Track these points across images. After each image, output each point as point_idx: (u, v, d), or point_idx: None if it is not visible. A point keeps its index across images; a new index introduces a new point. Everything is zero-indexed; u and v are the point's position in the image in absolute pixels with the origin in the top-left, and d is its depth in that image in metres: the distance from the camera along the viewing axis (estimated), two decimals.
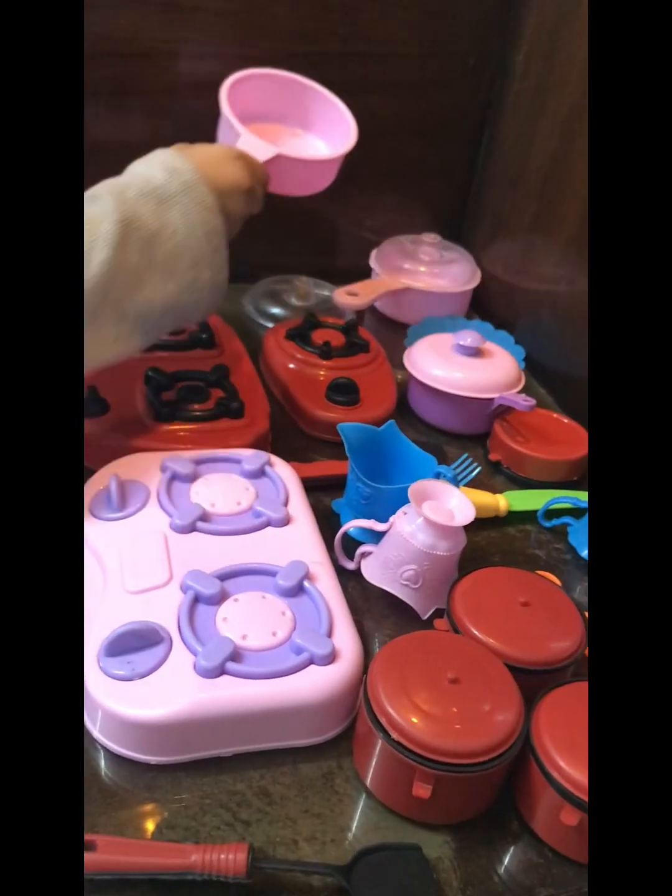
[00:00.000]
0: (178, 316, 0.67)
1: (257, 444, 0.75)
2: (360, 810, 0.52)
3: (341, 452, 0.82)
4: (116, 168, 0.72)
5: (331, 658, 0.54)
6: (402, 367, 0.90)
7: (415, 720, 0.49)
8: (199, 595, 0.56)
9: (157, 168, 0.64)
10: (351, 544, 0.69)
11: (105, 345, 0.62)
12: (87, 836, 0.46)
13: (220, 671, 0.52)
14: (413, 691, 0.50)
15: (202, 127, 1.05)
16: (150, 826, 0.49)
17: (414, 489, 0.63)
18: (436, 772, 0.48)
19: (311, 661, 0.54)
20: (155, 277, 0.62)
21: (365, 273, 1.08)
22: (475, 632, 0.56)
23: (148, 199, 0.62)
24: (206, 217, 0.64)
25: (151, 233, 0.61)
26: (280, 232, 1.12)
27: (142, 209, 0.61)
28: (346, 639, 0.56)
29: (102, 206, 0.60)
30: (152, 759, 0.52)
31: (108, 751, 0.52)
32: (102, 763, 0.52)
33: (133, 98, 1.02)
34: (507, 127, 1.05)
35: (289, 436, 0.84)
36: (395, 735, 0.49)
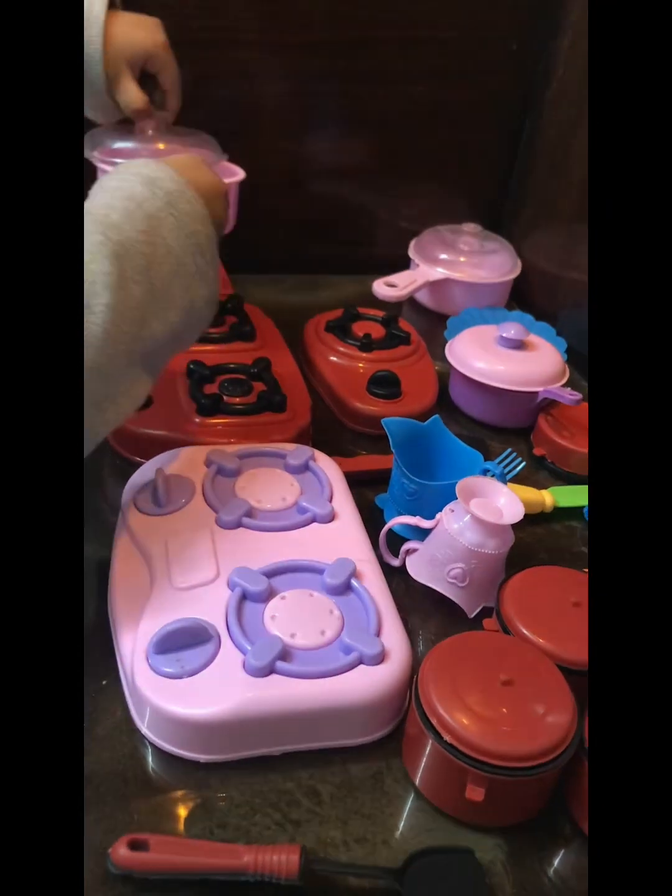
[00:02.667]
0: (177, 345, 0.59)
1: (299, 439, 0.75)
2: (410, 812, 0.51)
3: (382, 446, 0.81)
4: None
5: (380, 658, 0.53)
6: (442, 359, 0.89)
7: (467, 722, 0.48)
8: (247, 592, 0.56)
9: (134, 181, 0.55)
10: (395, 541, 0.68)
11: (119, 401, 0.54)
12: (139, 836, 0.46)
13: (269, 670, 0.51)
14: (465, 693, 0.50)
15: (237, 116, 1.05)
16: (200, 825, 0.49)
17: (461, 486, 0.62)
18: (489, 775, 0.47)
19: (360, 661, 0.53)
20: (157, 308, 0.54)
21: (403, 263, 1.07)
22: (526, 632, 0.56)
23: (135, 220, 0.53)
24: (198, 228, 0.56)
25: (147, 259, 0.52)
26: (316, 221, 1.12)
27: (131, 233, 0.52)
28: (395, 638, 0.55)
29: (88, 240, 0.50)
30: (202, 757, 0.51)
31: (156, 748, 0.52)
32: (151, 760, 0.52)
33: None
34: (550, 114, 1.03)
35: (329, 429, 0.84)
36: (447, 737, 0.48)
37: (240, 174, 0.89)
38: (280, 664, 0.52)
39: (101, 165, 0.81)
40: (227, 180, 0.79)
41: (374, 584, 0.59)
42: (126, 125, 0.87)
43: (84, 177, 0.46)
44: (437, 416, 0.71)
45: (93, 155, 0.82)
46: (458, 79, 1.06)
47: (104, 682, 0.56)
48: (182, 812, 0.49)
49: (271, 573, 0.58)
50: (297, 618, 0.55)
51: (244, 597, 0.56)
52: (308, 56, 1.02)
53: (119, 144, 0.84)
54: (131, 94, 0.81)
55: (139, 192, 0.54)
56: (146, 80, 0.84)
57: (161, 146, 0.85)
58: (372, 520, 0.70)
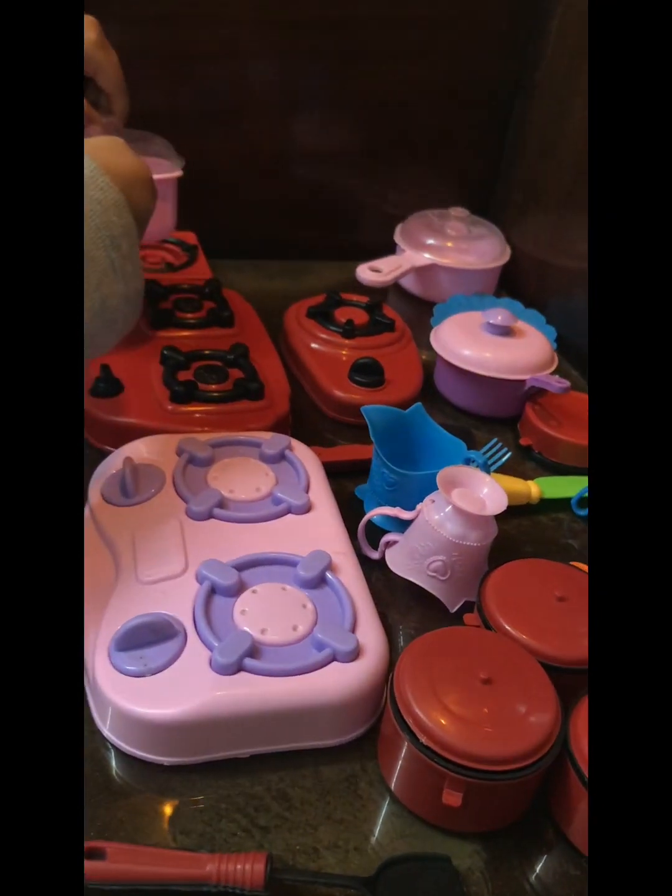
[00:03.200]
0: (90, 350, 0.52)
1: (277, 427, 0.72)
2: (385, 817, 0.49)
3: (365, 436, 0.78)
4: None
5: (355, 654, 0.51)
6: (427, 346, 0.86)
7: (444, 723, 0.46)
8: (216, 586, 0.53)
9: None
10: (375, 533, 0.66)
11: None
12: (96, 843, 0.43)
13: (237, 667, 0.49)
14: (443, 692, 0.47)
15: (222, 95, 1.02)
16: (162, 831, 0.46)
17: (443, 476, 0.59)
18: (467, 779, 0.45)
19: (333, 658, 0.50)
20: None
21: (389, 249, 1.04)
22: (508, 628, 0.53)
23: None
24: (111, 218, 0.49)
25: None
26: (300, 206, 1.09)
27: None
28: (370, 634, 0.53)
29: None
30: (165, 759, 0.49)
31: (118, 750, 0.49)
32: (113, 763, 0.49)
33: (150, 65, 0.98)
34: (540, 96, 1.01)
35: (310, 418, 0.81)
36: (423, 739, 0.46)
37: (177, 172, 0.82)
38: (249, 661, 0.49)
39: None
40: (161, 175, 0.74)
41: (350, 577, 0.56)
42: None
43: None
44: (419, 403, 0.69)
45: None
46: (448, 60, 1.03)
47: None
48: (143, 818, 0.47)
49: (242, 566, 0.55)
50: (268, 612, 0.53)
51: (213, 591, 0.54)
52: (294, 35, 1.00)
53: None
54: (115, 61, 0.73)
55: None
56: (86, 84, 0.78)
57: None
58: (351, 511, 0.68)
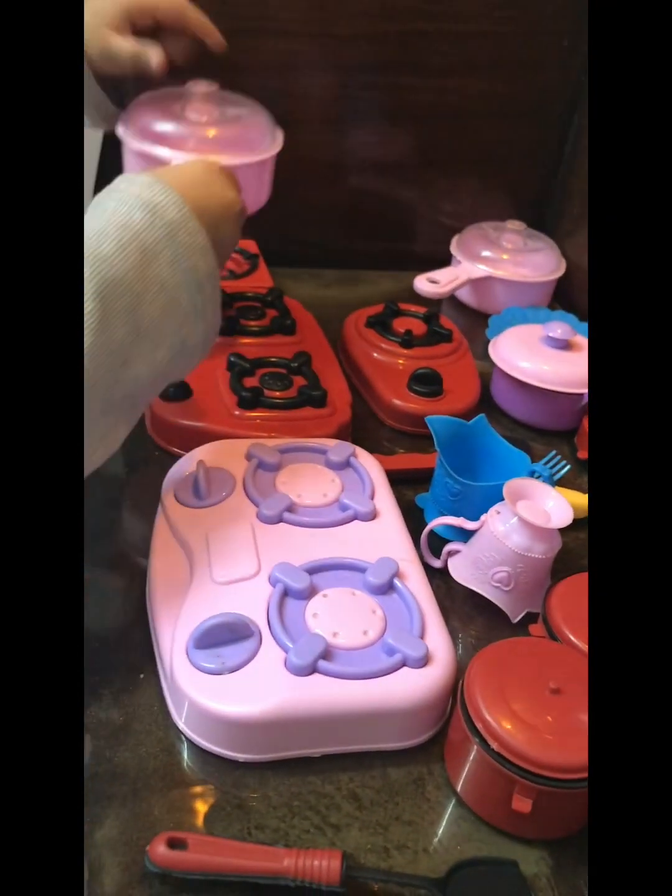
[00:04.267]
0: (163, 383, 0.54)
1: (340, 434, 0.73)
2: (451, 819, 0.50)
3: (422, 445, 0.80)
4: None
5: (424, 661, 0.52)
6: (482, 357, 0.87)
7: (515, 730, 0.47)
8: (289, 588, 0.55)
9: (134, 205, 0.49)
10: (436, 541, 0.67)
11: (93, 446, 0.48)
12: (177, 834, 0.45)
13: (311, 669, 0.50)
14: (512, 699, 0.48)
15: (278, 107, 1.04)
16: (238, 825, 0.48)
17: (509, 487, 0.60)
18: (538, 786, 0.46)
19: (404, 663, 0.52)
20: (143, 349, 0.49)
21: (444, 260, 1.05)
22: (574, 639, 0.54)
23: (128, 253, 0.47)
24: (198, 263, 0.50)
25: (135, 297, 0.47)
26: (356, 215, 1.10)
27: (122, 268, 0.47)
28: (438, 641, 0.54)
29: None
30: (240, 756, 0.50)
31: (193, 745, 0.51)
32: (187, 757, 0.51)
33: (209, 75, 1.00)
34: None
35: (367, 426, 0.82)
36: (494, 745, 0.47)
37: (275, 149, 0.78)
38: (322, 664, 0.50)
39: (133, 146, 0.70)
40: (261, 155, 0.74)
41: (416, 584, 0.58)
42: (169, 102, 0.73)
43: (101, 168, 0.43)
44: (482, 415, 0.70)
45: (126, 135, 0.71)
46: (506, 73, 1.04)
47: (142, 676, 0.55)
48: (219, 811, 0.48)
49: (313, 570, 0.57)
50: (339, 617, 0.54)
51: (286, 593, 0.55)
52: (352, 47, 1.01)
53: (161, 127, 0.70)
54: (128, 46, 0.67)
55: (137, 221, 0.48)
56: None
57: (210, 133, 0.72)
58: (411, 519, 0.69)
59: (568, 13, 1.00)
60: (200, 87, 0.73)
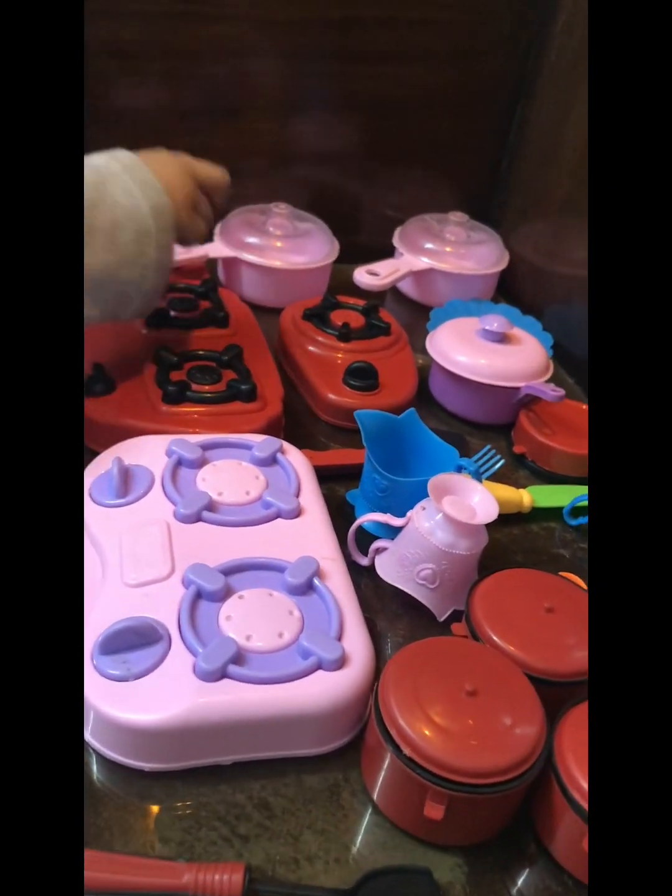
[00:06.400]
0: (118, 291, 0.64)
1: (270, 430, 0.72)
2: (367, 828, 0.48)
3: (358, 440, 0.78)
4: (131, 136, 0.68)
5: (340, 663, 0.50)
6: (424, 351, 0.86)
7: (428, 734, 0.45)
8: (202, 590, 0.53)
9: (96, 156, 0.63)
10: (365, 539, 0.65)
11: None
12: None
13: (221, 674, 0.48)
14: (427, 703, 0.47)
15: (221, 95, 1.01)
16: (141, 839, 0.46)
17: (434, 483, 0.59)
18: (450, 792, 0.44)
19: (319, 666, 0.50)
20: (93, 243, 0.59)
21: (387, 252, 1.04)
22: (495, 639, 0.53)
23: (87, 173, 0.60)
24: (151, 193, 0.63)
25: (90, 201, 0.59)
26: (299, 206, 1.08)
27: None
28: (357, 642, 0.52)
29: None
30: (147, 765, 0.48)
31: (99, 755, 0.49)
32: (93, 768, 0.49)
33: (153, 62, 0.97)
34: (541, 101, 1.00)
35: (303, 421, 0.81)
36: (406, 750, 0.45)
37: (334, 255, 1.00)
38: (233, 668, 0.48)
39: (225, 253, 0.95)
40: (324, 263, 0.96)
41: (338, 584, 0.56)
42: (254, 217, 0.98)
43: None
44: (412, 409, 0.68)
45: (220, 244, 0.95)
46: (450, 62, 1.02)
47: None
48: (122, 825, 0.46)
49: (229, 571, 0.55)
50: (254, 619, 0.52)
51: (199, 595, 0.53)
52: (296, 33, 0.99)
53: (249, 239, 0.96)
54: (201, 225, 0.74)
55: (96, 160, 0.62)
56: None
57: (278, 244, 0.96)
58: (343, 516, 0.67)
59: (510, 1, 0.99)
60: (280, 208, 0.99)
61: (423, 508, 0.60)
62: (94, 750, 0.49)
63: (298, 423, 0.80)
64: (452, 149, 1.08)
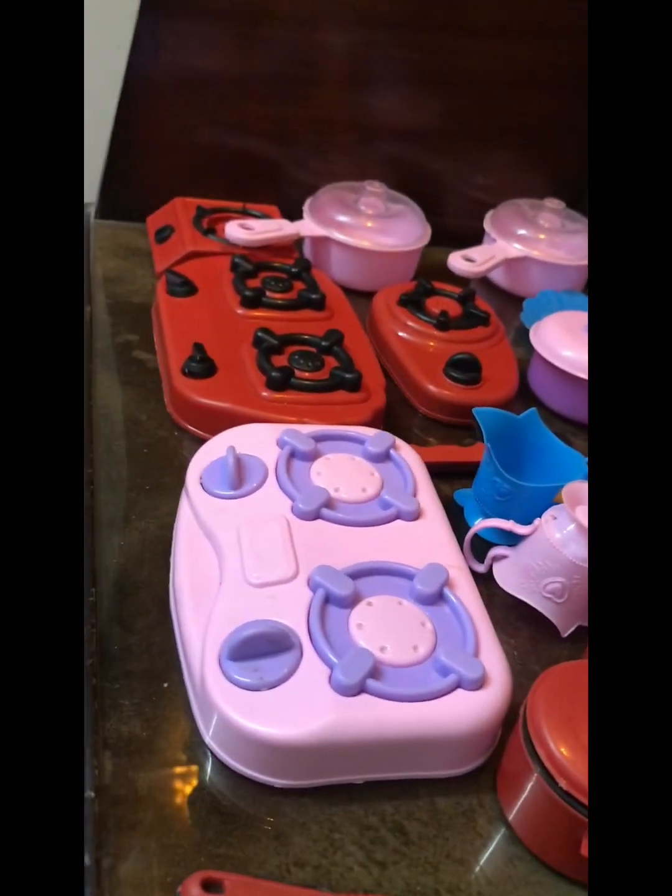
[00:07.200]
0: None
1: (374, 422, 0.68)
2: (506, 859, 0.46)
3: (456, 435, 0.75)
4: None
5: (481, 682, 0.47)
6: (514, 343, 0.82)
7: (586, 766, 0.42)
8: (331, 595, 0.50)
9: None
10: (477, 543, 0.62)
11: None
12: (213, 874, 0.40)
13: (359, 689, 0.45)
14: (582, 731, 0.44)
15: (298, 64, 0.96)
16: (275, 860, 0.43)
17: (568, 491, 0.56)
18: None
19: (459, 685, 0.47)
20: None
21: (474, 235, 1.00)
22: None
23: None
24: None
25: None
26: (384, 182, 1.04)
27: None
28: (494, 660, 0.49)
29: None
30: (278, 781, 0.45)
31: (223, 765, 0.46)
32: (218, 781, 0.46)
33: (220, 27, 0.92)
34: None
35: (398, 413, 0.77)
36: (562, 783, 0.42)
37: (426, 238, 0.96)
38: (371, 683, 0.46)
39: (316, 231, 0.90)
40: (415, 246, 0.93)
41: (467, 595, 0.53)
42: (343, 193, 0.95)
43: None
44: (533, 409, 0.65)
45: (310, 221, 0.91)
46: (551, 39, 0.97)
47: (166, 685, 0.50)
48: (254, 844, 0.44)
49: (355, 575, 0.52)
50: (386, 629, 0.49)
51: (327, 600, 0.50)
52: (382, 1, 0.94)
53: (340, 218, 0.92)
54: None
55: None
56: None
57: (369, 224, 0.92)
58: (451, 518, 0.64)
59: None
60: (374, 187, 0.95)
61: (554, 518, 0.56)
62: (220, 761, 0.46)
63: (392, 414, 0.76)
64: (548, 131, 1.03)
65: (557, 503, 0.57)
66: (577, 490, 0.56)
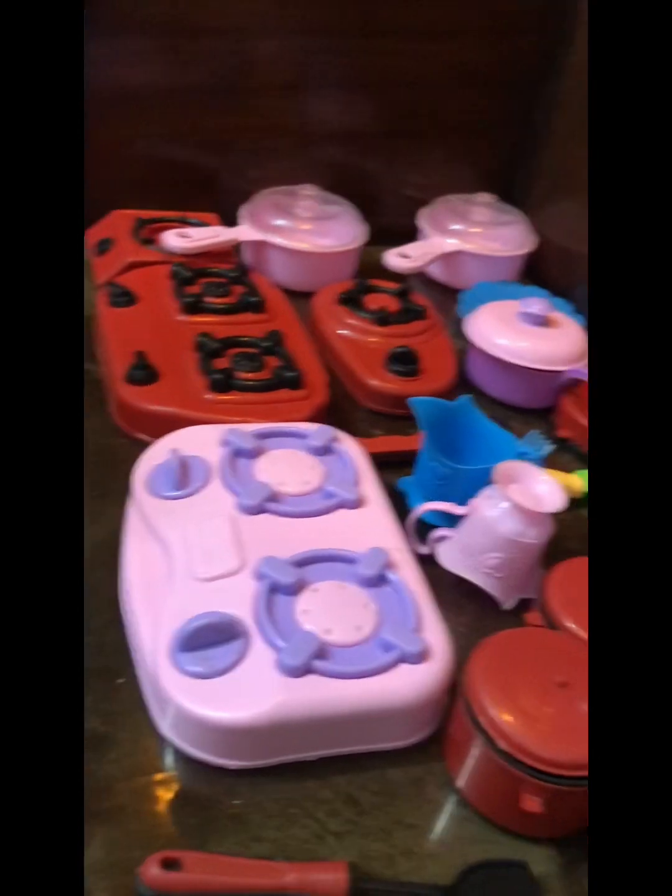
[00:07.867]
0: None
1: (317, 417, 0.70)
2: (456, 821, 0.48)
3: (399, 426, 0.78)
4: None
5: (422, 656, 0.49)
6: (454, 335, 0.85)
7: (523, 728, 0.45)
8: (276, 584, 0.52)
9: None
10: (424, 528, 0.65)
11: None
12: (171, 853, 0.42)
13: (306, 669, 0.47)
14: (518, 695, 0.46)
15: (233, 71, 0.97)
16: (233, 838, 0.45)
17: (500, 471, 0.58)
18: (548, 785, 0.44)
19: (401, 660, 0.49)
20: None
21: (409, 233, 1.02)
22: (575, 627, 0.52)
23: None
24: None
25: None
26: (320, 186, 1.06)
27: None
28: (435, 634, 0.51)
29: None
30: (233, 763, 0.47)
31: (181, 753, 0.48)
32: (176, 767, 0.48)
33: (155, 39, 0.94)
34: (571, 80, 0.99)
35: (342, 408, 0.79)
36: (501, 744, 0.45)
37: (363, 238, 0.97)
38: (317, 663, 0.48)
39: (253, 236, 0.92)
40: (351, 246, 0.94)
41: (409, 575, 0.55)
42: (278, 198, 0.97)
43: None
44: (468, 396, 0.67)
45: (247, 226, 0.93)
46: (476, 39, 1.00)
47: (121, 681, 0.51)
48: (213, 824, 0.45)
49: (300, 563, 0.54)
50: (330, 612, 0.51)
51: (273, 589, 0.52)
52: (313, 8, 0.96)
53: (277, 222, 0.94)
54: None
55: None
56: None
57: (306, 227, 0.94)
58: (394, 504, 0.66)
59: None
60: (308, 190, 0.97)
61: (488, 497, 0.59)
62: (175, 748, 0.48)
63: (337, 410, 0.78)
64: (477, 128, 1.06)
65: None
66: (507, 469, 0.59)
